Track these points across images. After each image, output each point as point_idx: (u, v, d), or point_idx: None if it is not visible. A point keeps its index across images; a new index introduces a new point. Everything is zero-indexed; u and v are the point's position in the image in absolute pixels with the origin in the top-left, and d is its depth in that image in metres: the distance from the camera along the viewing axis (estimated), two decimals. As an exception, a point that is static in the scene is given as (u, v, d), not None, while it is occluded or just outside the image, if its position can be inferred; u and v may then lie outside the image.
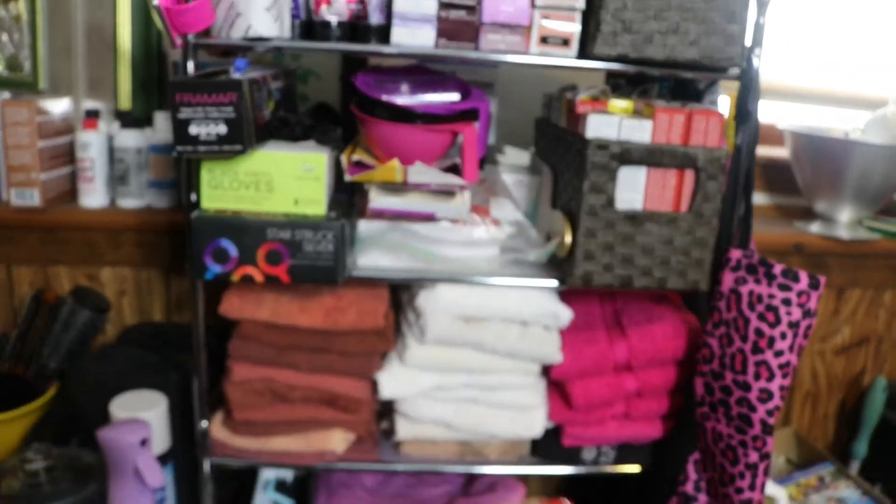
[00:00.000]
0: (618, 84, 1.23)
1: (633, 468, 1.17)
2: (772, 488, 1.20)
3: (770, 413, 1.03)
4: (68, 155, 1.38)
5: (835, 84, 1.71)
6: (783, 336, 1.01)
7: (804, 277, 1.00)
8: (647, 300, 1.19)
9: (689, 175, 1.03)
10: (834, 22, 1.67)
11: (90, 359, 1.30)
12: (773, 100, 1.68)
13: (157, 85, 1.42)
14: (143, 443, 1.05)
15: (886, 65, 1.70)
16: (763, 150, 1.58)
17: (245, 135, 0.91)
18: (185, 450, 1.17)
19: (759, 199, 1.63)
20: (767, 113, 1.63)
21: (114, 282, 1.41)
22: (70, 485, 1.08)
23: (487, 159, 1.25)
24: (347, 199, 1.09)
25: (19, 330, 1.34)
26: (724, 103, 1.20)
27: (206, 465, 1.12)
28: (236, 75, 0.93)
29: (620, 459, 1.18)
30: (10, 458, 1.13)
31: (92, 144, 1.32)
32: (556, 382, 1.14)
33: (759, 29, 1.03)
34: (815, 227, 1.52)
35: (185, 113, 0.90)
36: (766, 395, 1.02)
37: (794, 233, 1.49)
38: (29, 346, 1.34)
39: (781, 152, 1.58)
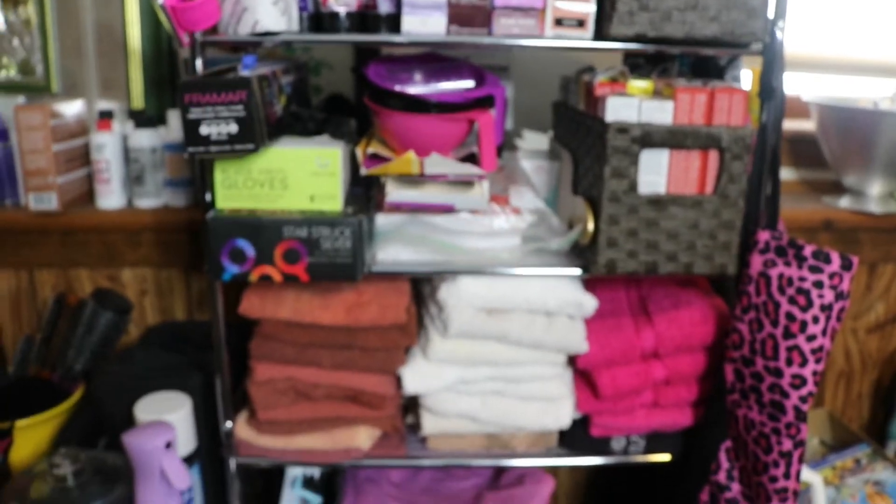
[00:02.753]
0: (636, 63, 1.20)
1: (664, 457, 1.15)
2: (806, 473, 1.17)
3: (803, 399, 1.00)
4: (84, 157, 1.38)
5: (861, 52, 1.65)
6: (815, 320, 0.98)
7: (836, 258, 0.97)
8: (674, 285, 1.16)
9: (714, 156, 1.00)
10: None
11: (114, 361, 1.29)
12: (797, 71, 1.63)
13: (168, 83, 1.41)
14: (168, 445, 1.05)
15: (915, 31, 1.65)
16: (788, 124, 1.54)
17: (257, 133, 0.89)
18: (210, 450, 1.17)
19: (786, 174, 1.60)
20: (791, 85, 1.58)
21: (135, 282, 1.41)
22: (98, 488, 1.08)
23: (506, 145, 1.23)
24: (364, 192, 1.08)
25: (44, 334, 1.34)
26: (747, 78, 1.16)
27: (232, 465, 1.11)
28: (245, 73, 0.91)
29: (650, 448, 1.15)
30: (39, 462, 1.13)
31: (107, 146, 1.32)
32: (582, 372, 1.11)
33: (781, 1, 0.99)
34: (844, 202, 1.48)
35: (195, 113, 0.88)
36: (799, 381, 0.99)
37: (824, 208, 1.45)
38: (54, 349, 1.34)
39: (807, 125, 1.53)
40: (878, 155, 1.40)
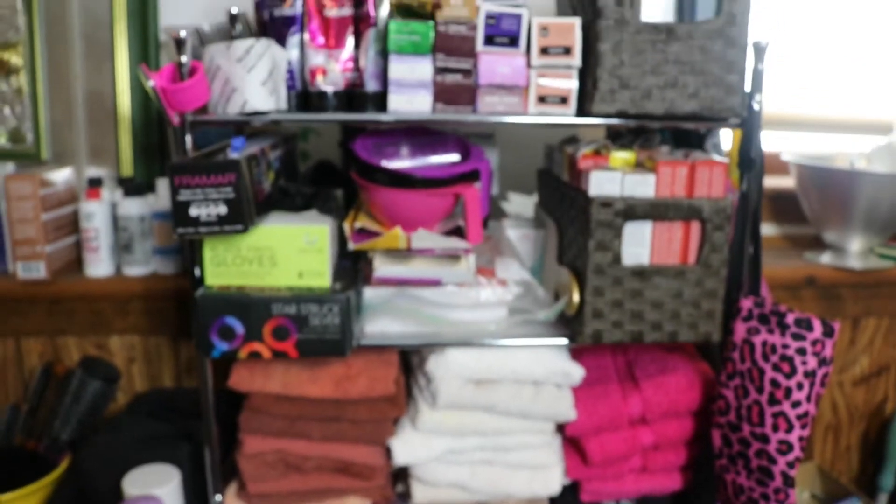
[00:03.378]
0: (619, 133, 1.23)
1: (654, 522, 1.16)
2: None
3: (790, 465, 1.01)
4: (72, 224, 1.38)
5: (836, 110, 1.69)
6: (800, 386, 0.99)
7: (818, 325, 0.99)
8: (660, 351, 1.18)
9: (696, 226, 1.02)
10: (832, 47, 1.66)
11: (101, 431, 1.29)
12: (775, 130, 1.67)
13: (158, 150, 1.42)
14: (157, 524, 1.04)
15: (889, 88, 1.69)
16: (768, 181, 1.57)
17: (245, 214, 0.90)
18: (200, 524, 1.16)
19: (767, 230, 1.62)
20: (770, 143, 1.62)
21: (123, 350, 1.40)
22: (86, 565, 1.07)
23: (492, 213, 1.25)
24: (352, 265, 1.09)
25: (30, 404, 1.33)
26: (727, 139, 1.19)
27: (222, 540, 1.11)
28: (234, 155, 0.93)
29: (641, 513, 1.16)
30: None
31: (96, 214, 1.32)
32: (571, 439, 1.12)
33: (757, 75, 1.02)
34: (825, 258, 1.50)
35: (184, 195, 0.90)
36: (786, 447, 1.00)
37: (805, 265, 1.48)
38: (40, 419, 1.33)
39: (787, 182, 1.56)
40: (856, 213, 1.42)
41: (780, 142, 1.67)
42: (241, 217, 0.91)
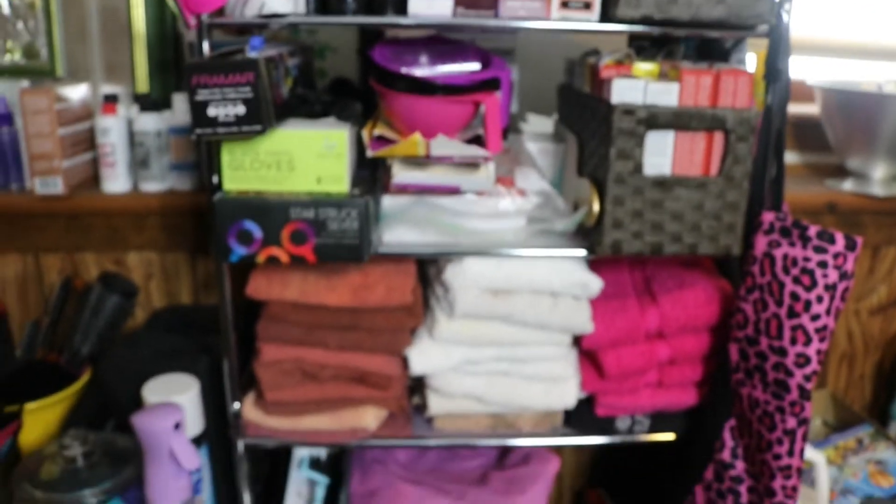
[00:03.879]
0: (641, 46, 1.20)
1: (668, 437, 1.16)
2: (810, 452, 1.18)
3: (807, 378, 1.01)
4: (89, 141, 1.38)
5: (865, 36, 1.65)
6: (819, 299, 0.99)
7: (840, 239, 0.97)
8: (679, 266, 1.17)
9: (719, 137, 1.01)
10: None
11: (121, 345, 1.30)
12: (801, 55, 1.63)
13: (173, 66, 1.41)
14: (177, 426, 1.06)
15: (919, 14, 1.65)
16: (792, 108, 1.54)
17: (264, 114, 0.89)
18: (218, 432, 1.18)
19: (790, 157, 1.60)
20: (795, 69, 1.58)
21: (140, 266, 1.41)
22: (108, 469, 1.09)
23: (510, 128, 1.23)
24: (370, 174, 1.08)
25: (50, 318, 1.35)
26: (752, 61, 1.16)
27: (240, 446, 1.12)
28: (252, 54, 0.91)
29: (655, 428, 1.16)
30: (49, 445, 1.14)
31: (112, 129, 1.32)
32: (587, 352, 1.12)
33: (788, -17, 0.99)
34: (847, 185, 1.48)
35: (202, 95, 0.89)
36: (804, 360, 1.00)
37: (827, 191, 1.46)
38: (60, 333, 1.35)
39: (811, 109, 1.53)
40: (882, 138, 1.40)
41: (805, 67, 1.63)
42: (259, 118, 0.90)
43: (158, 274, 1.42)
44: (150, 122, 1.32)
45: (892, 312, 1.58)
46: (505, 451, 1.26)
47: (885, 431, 1.47)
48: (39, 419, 1.26)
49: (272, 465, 1.41)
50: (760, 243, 1.03)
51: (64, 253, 1.40)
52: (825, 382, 1.62)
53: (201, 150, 1.29)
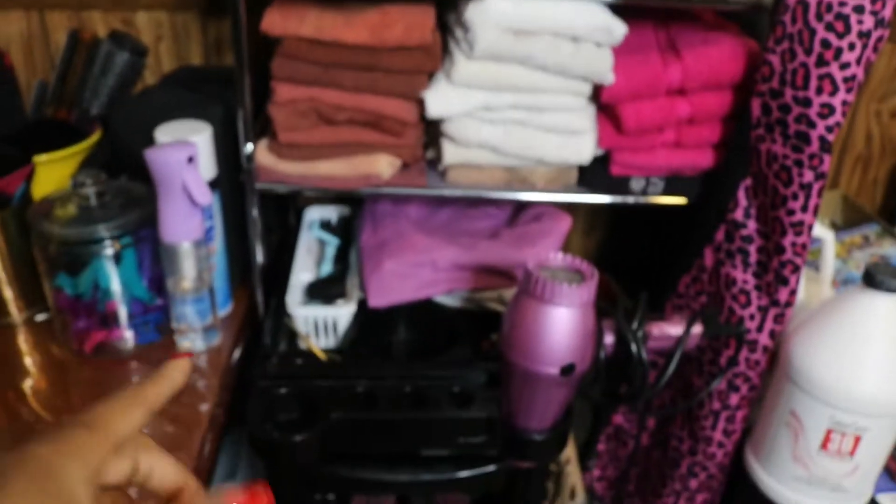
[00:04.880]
0: None
1: (681, 200, 1.16)
2: (818, 229, 1.19)
3: (829, 129, 0.99)
4: None
5: None
6: (851, 47, 0.96)
7: (882, -22, 0.94)
8: (704, 27, 1.13)
9: None
10: None
11: (132, 99, 1.28)
12: None
13: None
14: (190, 160, 1.05)
15: None
16: None
17: None
18: (231, 179, 1.18)
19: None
20: None
21: (150, 27, 1.37)
22: (121, 209, 1.10)
23: None
24: None
25: (59, 72, 1.32)
26: None
27: (253, 191, 1.12)
28: None
29: (669, 191, 1.16)
30: (63, 189, 1.15)
31: None
32: (606, 107, 1.10)
33: None
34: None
35: None
36: (828, 111, 0.98)
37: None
38: (69, 89, 1.33)
39: None
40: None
41: None
42: None
43: (168, 36, 1.38)
44: None
45: (914, 115, 1.55)
46: (516, 213, 1.27)
47: (892, 230, 1.47)
48: (50, 174, 1.26)
49: (283, 232, 1.43)
50: (795, -12, 0.99)
51: (70, 11, 1.36)
52: (837, 183, 1.61)
53: None
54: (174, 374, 0.59)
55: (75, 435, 0.48)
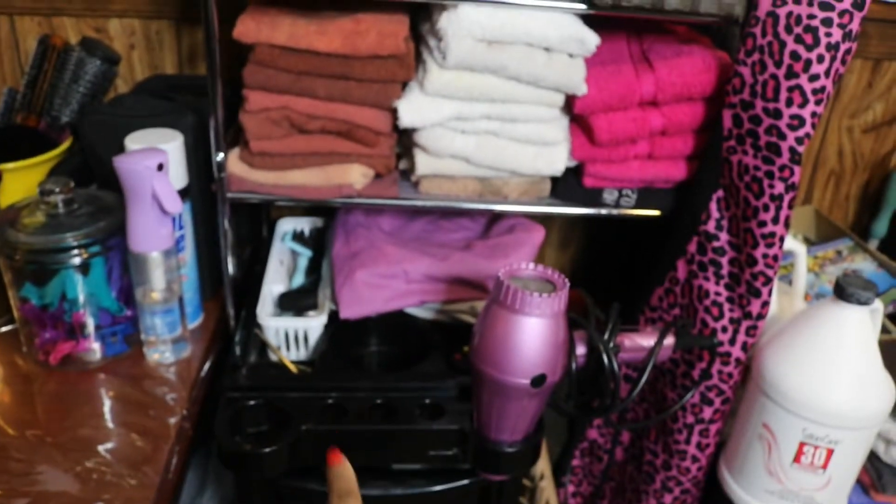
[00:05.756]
0: None
1: (654, 213, 1.16)
2: (790, 242, 1.19)
3: (799, 141, 1.00)
4: None
5: None
6: (820, 59, 0.97)
7: (848, -5, 0.95)
8: (676, 40, 1.14)
9: None
10: None
11: (104, 107, 1.27)
12: None
13: None
14: (160, 168, 1.04)
15: None
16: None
17: None
18: (202, 189, 1.17)
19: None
20: None
21: (122, 35, 1.36)
22: (89, 218, 1.08)
23: None
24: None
25: (28, 77, 1.30)
26: None
27: (225, 200, 1.11)
28: None
29: (641, 203, 1.16)
30: (30, 198, 1.13)
31: None
32: (579, 118, 1.11)
33: None
34: (855, -9, 1.44)
35: None
36: (798, 122, 0.99)
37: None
38: (38, 96, 1.31)
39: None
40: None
41: None
42: None
43: (141, 44, 1.37)
44: None
45: (885, 132, 1.57)
46: (490, 225, 1.27)
47: (865, 244, 1.49)
48: (19, 183, 1.24)
49: (256, 244, 1.42)
50: (765, 2, 1.00)
51: (41, 17, 1.34)
52: (811, 199, 1.62)
53: None
54: (345, 471, 0.73)
55: None
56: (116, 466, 0.94)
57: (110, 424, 1.02)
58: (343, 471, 0.73)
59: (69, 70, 1.28)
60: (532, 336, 0.84)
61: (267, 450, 0.93)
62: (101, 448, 0.97)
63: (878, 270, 1.46)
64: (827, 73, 0.97)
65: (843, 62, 0.98)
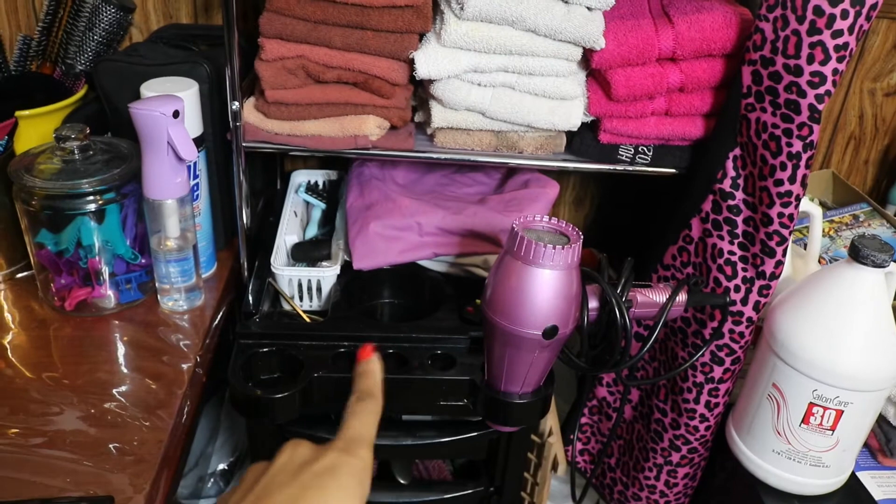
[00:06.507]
0: None
1: (669, 171, 1.15)
2: (806, 204, 1.18)
3: (819, 99, 0.98)
4: None
5: None
6: (844, 14, 0.94)
7: (878, -56, 0.93)
8: (698, -3, 1.12)
9: None
10: None
11: (119, 55, 1.26)
12: None
13: None
14: (176, 115, 1.03)
15: None
16: None
17: None
18: (217, 138, 1.17)
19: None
20: None
21: (137, -18, 1.35)
22: (105, 165, 1.08)
23: None
24: None
25: (43, 24, 1.30)
26: None
27: (240, 149, 1.11)
28: None
29: (657, 161, 1.15)
30: (46, 144, 1.13)
31: None
32: (596, 73, 1.09)
33: None
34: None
35: None
36: (818, 79, 0.97)
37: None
38: (53, 44, 1.31)
39: None
40: None
41: None
42: None
43: (156, -8, 1.37)
44: None
45: (907, 96, 1.55)
46: (504, 181, 1.26)
47: (882, 209, 1.47)
48: (34, 131, 1.24)
49: (270, 195, 1.42)
50: (790, -44, 0.98)
51: (57, -36, 1.33)
52: (829, 163, 1.60)
53: None
54: (371, 368, 0.69)
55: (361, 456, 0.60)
56: (131, 409, 0.96)
57: (125, 369, 1.03)
58: (369, 368, 0.68)
59: (84, 17, 1.28)
60: (545, 288, 0.84)
61: (279, 396, 0.94)
62: (115, 391, 0.99)
63: (894, 236, 1.45)
64: (851, 30, 0.96)
65: (868, 18, 0.96)
